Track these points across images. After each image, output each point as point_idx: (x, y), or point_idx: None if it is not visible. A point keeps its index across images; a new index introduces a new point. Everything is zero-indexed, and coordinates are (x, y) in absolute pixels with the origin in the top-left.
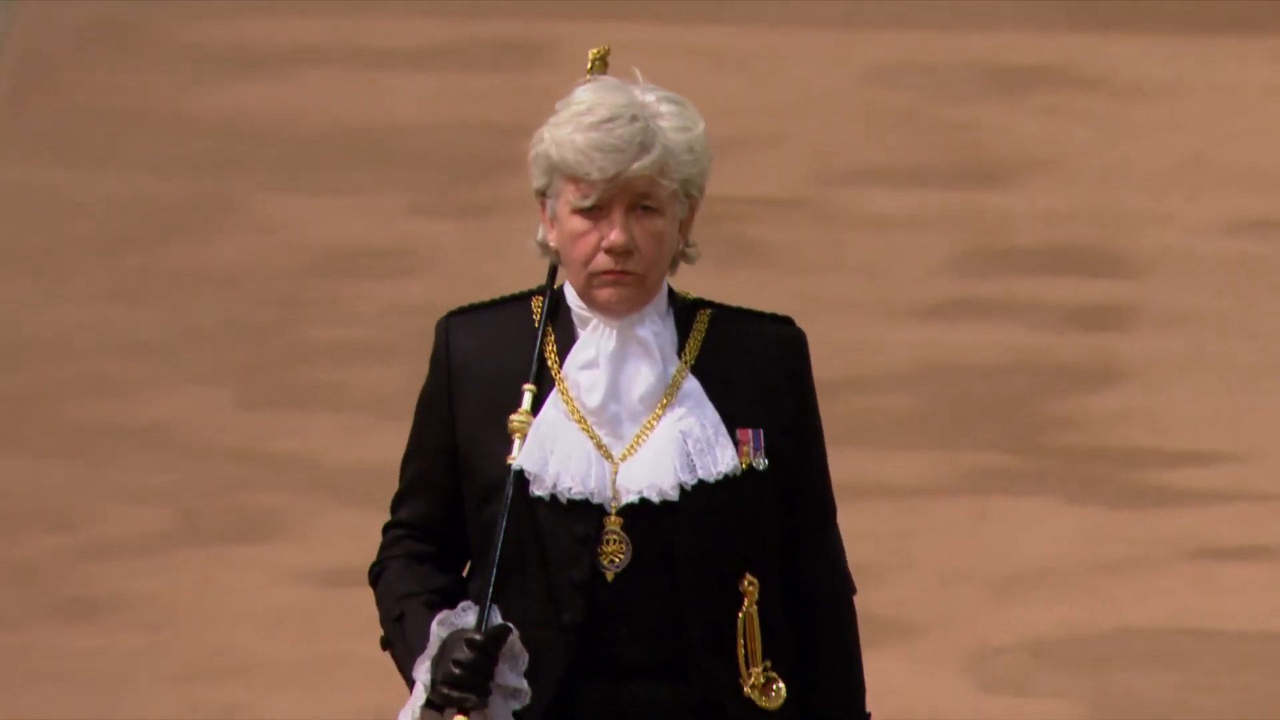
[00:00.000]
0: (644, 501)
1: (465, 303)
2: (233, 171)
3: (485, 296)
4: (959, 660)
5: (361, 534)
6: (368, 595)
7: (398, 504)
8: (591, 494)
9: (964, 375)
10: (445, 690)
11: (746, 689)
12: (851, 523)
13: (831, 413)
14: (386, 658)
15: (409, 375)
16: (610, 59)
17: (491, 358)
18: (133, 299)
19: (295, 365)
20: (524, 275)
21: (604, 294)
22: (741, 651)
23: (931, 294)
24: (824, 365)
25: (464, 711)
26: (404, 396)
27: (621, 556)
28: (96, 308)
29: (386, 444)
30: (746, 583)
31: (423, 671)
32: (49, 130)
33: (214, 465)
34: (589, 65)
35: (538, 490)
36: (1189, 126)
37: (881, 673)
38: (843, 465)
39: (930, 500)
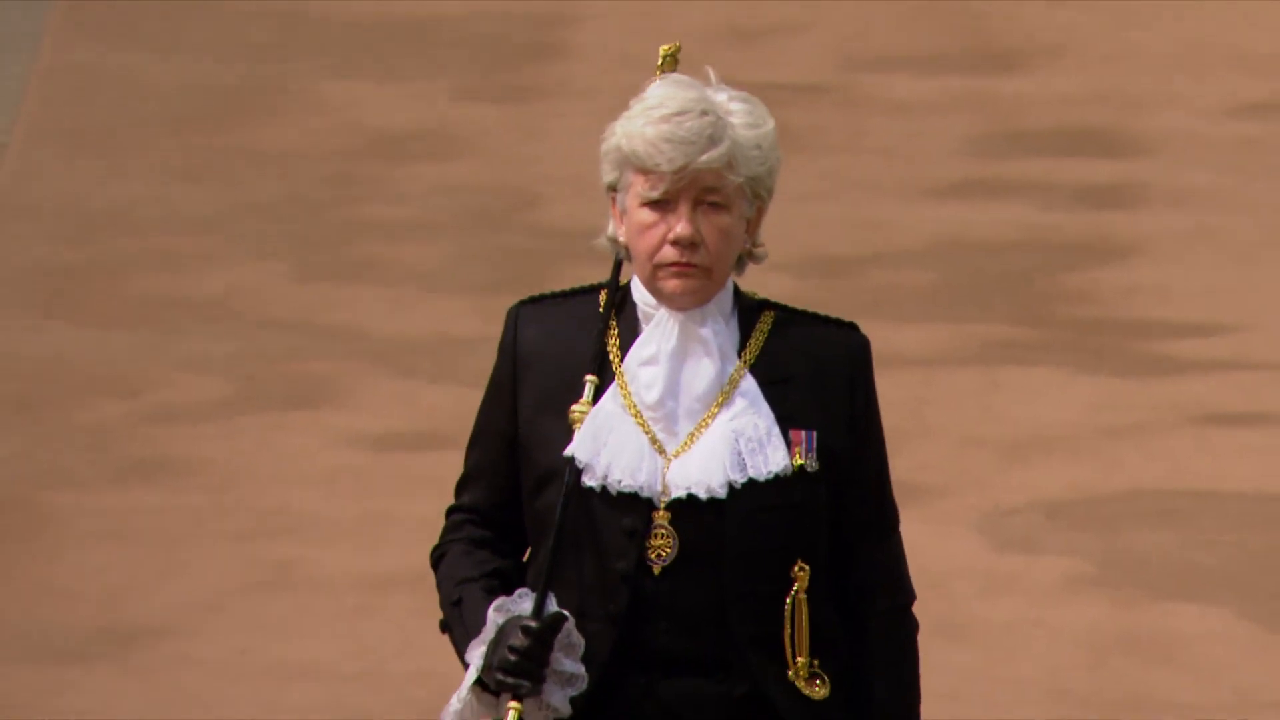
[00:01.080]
0: (692, 498)
1: (536, 293)
2: (290, 57)
3: (526, 179)
4: (973, 521)
5: (407, 401)
6: (414, 458)
7: (461, 488)
8: (641, 488)
9: (978, 252)
10: (501, 676)
11: (790, 674)
12: None
13: (853, 288)
14: (434, 517)
15: (453, 252)
16: (680, 55)
17: (556, 348)
18: (195, 177)
19: (347, 241)
20: (563, 160)
21: (670, 285)
22: (788, 637)
23: (948, 175)
24: (846, 243)
25: (518, 697)
26: (448, 272)
27: (668, 551)
28: (161, 185)
29: (431, 316)
30: (797, 568)
31: (476, 655)
32: (118, 18)
33: (270, 335)
34: (660, 62)
35: (589, 481)
36: (1195, 13)
37: (903, 535)
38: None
39: (946, 370)
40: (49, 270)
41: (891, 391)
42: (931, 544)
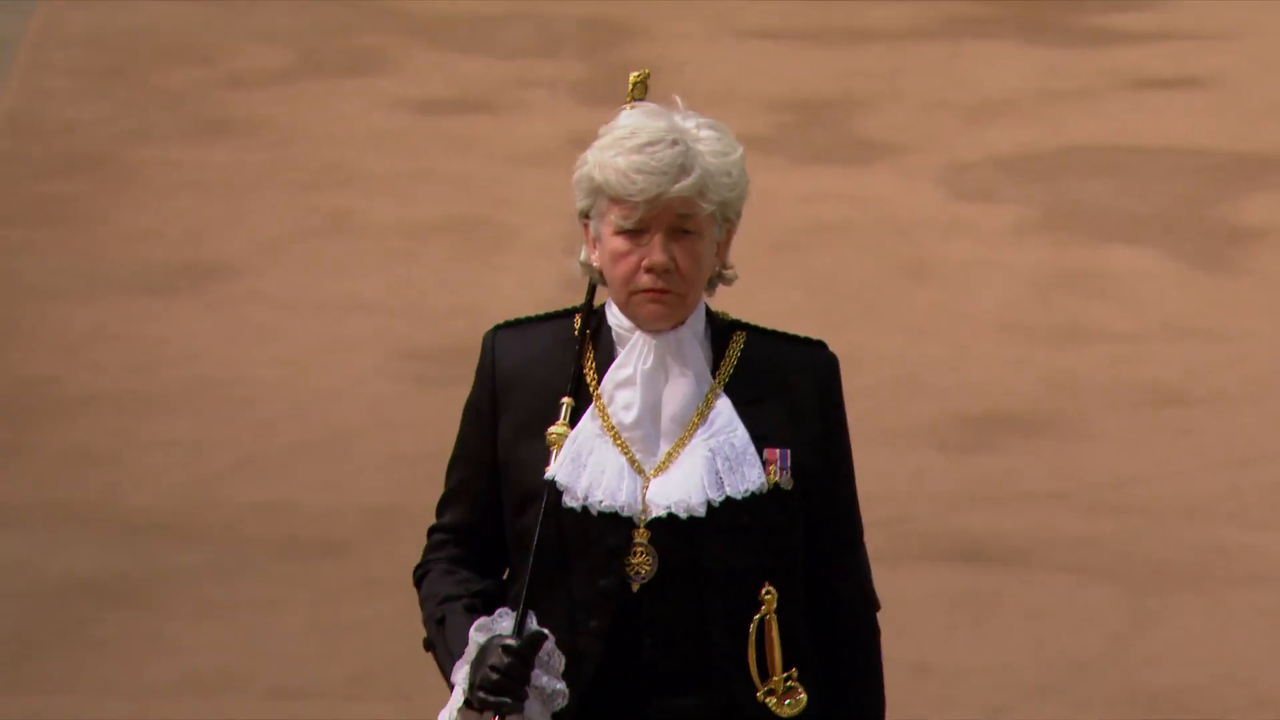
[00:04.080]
0: (671, 516)
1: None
2: None
3: None
4: (936, 175)
5: (446, 70)
6: (451, 120)
7: (442, 508)
8: (622, 507)
9: None
10: (482, 695)
11: (761, 695)
12: (845, 62)
13: None
14: (470, 173)
15: None
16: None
17: (534, 371)
18: None
19: None
20: None
21: (645, 311)
22: (754, 658)
23: None
24: None
25: (501, 715)
26: None
27: (647, 568)
28: None
29: None
30: (764, 592)
31: (461, 676)
32: None
33: (328, 10)
34: (630, 89)
35: (570, 502)
36: None
37: (872, 184)
38: (835, 10)
39: (914, 42)
40: None
41: (866, 62)
42: (900, 195)
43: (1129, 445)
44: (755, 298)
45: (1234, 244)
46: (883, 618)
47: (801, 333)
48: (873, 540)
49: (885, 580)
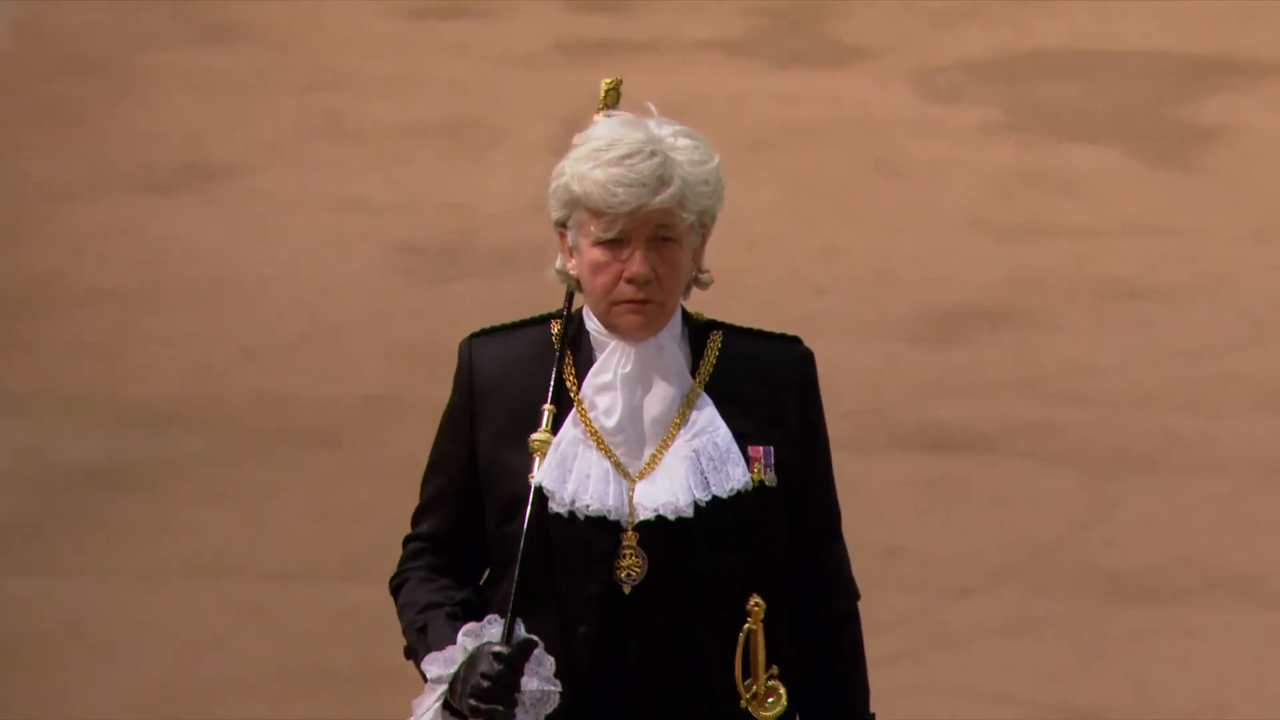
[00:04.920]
0: (660, 518)
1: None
2: None
3: None
4: (907, 76)
5: None
6: (443, 26)
7: (418, 517)
8: (609, 511)
9: None
10: (474, 702)
11: (743, 702)
12: None
13: None
14: (463, 77)
15: None
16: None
17: (512, 379)
18: None
19: None
20: None
21: (626, 321)
22: (739, 666)
23: None
24: None
25: None
26: None
27: (638, 571)
28: None
29: None
30: (753, 603)
31: (434, 666)
32: None
33: None
34: (602, 97)
35: (556, 507)
36: None
37: (846, 86)
38: None
39: None
40: None
41: None
42: (873, 97)
43: (1089, 337)
44: (733, 197)
45: (1191, 144)
46: (855, 502)
47: (776, 326)
48: (845, 429)
49: (857, 468)
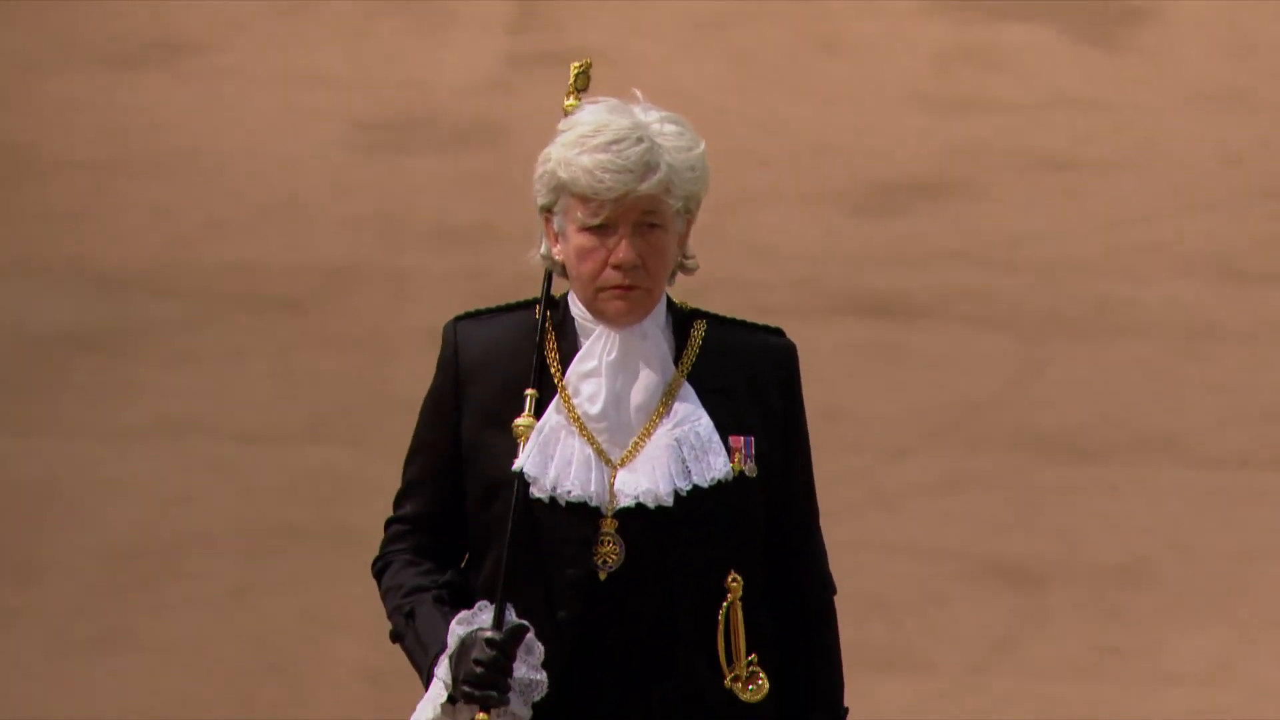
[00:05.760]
0: (640, 506)
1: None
2: None
3: None
4: None
5: None
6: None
7: (400, 500)
8: (590, 497)
9: None
10: (467, 689)
11: (727, 682)
12: None
13: None
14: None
15: None
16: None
17: (497, 362)
18: None
19: None
20: None
21: (612, 307)
22: (722, 646)
23: None
24: None
25: (485, 709)
26: None
27: (615, 558)
28: None
29: None
30: (730, 579)
31: (444, 670)
32: None
33: None
34: (572, 80)
35: (538, 492)
36: None
37: None
38: None
39: None
40: None
41: None
42: None
43: (1022, 207)
44: (679, 70)
45: (1120, 22)
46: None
47: (759, 319)
48: (788, 297)
49: (800, 333)
